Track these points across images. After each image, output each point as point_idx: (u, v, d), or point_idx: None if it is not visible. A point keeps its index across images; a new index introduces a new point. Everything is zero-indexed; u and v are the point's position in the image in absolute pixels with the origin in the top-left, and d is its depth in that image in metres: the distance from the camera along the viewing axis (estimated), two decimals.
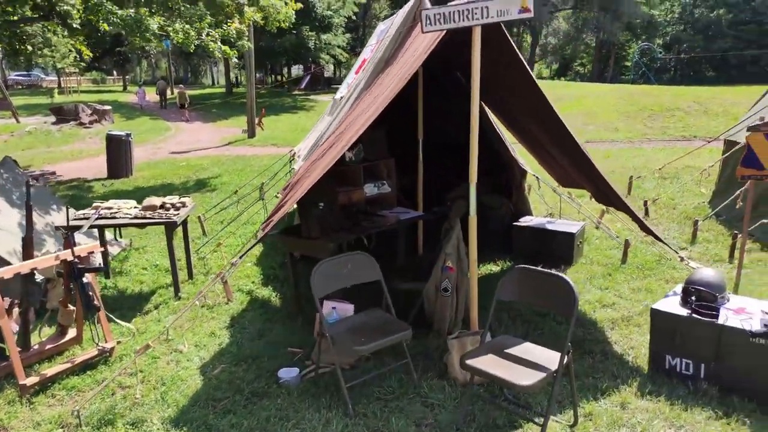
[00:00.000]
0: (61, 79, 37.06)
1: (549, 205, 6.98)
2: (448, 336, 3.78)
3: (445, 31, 3.43)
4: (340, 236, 4.20)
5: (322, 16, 27.92)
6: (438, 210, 6.53)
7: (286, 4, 10.84)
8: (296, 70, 47.71)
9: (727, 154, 7.08)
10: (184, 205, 5.19)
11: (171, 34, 7.42)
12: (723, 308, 3.49)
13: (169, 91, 31.09)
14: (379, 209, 4.80)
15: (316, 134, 6.97)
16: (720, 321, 3.35)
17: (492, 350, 3.13)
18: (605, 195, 5.16)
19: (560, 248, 5.62)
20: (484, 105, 5.79)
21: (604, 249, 6.07)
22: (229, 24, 8.56)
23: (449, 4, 3.31)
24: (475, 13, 3.25)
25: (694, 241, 6.25)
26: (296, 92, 35.32)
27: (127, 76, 45.59)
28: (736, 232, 5.83)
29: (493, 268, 5.66)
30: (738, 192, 6.46)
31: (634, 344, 4.00)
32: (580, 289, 4.99)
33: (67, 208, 4.81)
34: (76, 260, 3.68)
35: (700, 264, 4.68)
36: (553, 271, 3.07)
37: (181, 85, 29.75)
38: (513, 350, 3.11)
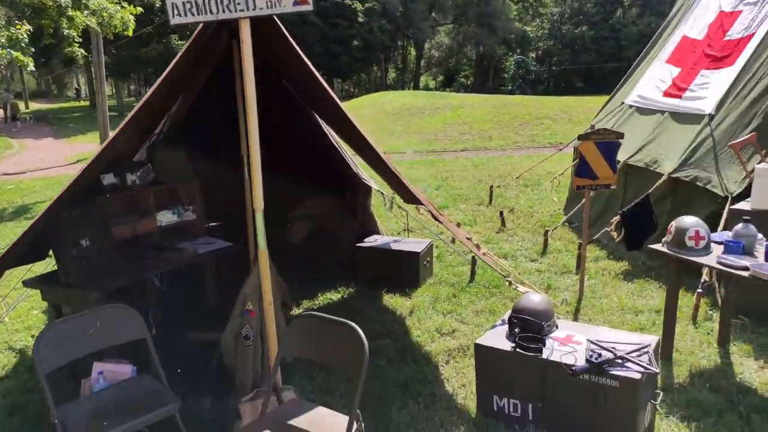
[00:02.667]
0: None
1: (402, 222, 6.54)
2: (241, 398, 3.09)
3: (212, 27, 2.77)
4: (114, 281, 3.36)
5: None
6: (281, 233, 5.86)
7: (122, 7, 9.68)
8: None
9: (576, 161, 7.08)
10: None
11: None
12: (550, 338, 3.12)
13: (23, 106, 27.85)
14: (180, 240, 4.01)
15: None
16: (544, 355, 2.96)
17: (273, 421, 2.48)
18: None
19: (405, 269, 5.14)
20: (316, 114, 5.21)
21: (455, 266, 5.70)
22: (18, 26, 7.31)
23: None
24: (239, 4, 2.61)
25: (546, 252, 6.08)
26: None
27: None
28: (580, 241, 5.70)
29: (333, 296, 5.06)
30: (584, 200, 6.42)
31: (467, 381, 3.53)
32: (421, 316, 4.53)
33: None
34: None
35: (529, 287, 4.32)
36: (342, 320, 2.48)
37: (11, 96, 27.11)
38: (298, 420, 2.48)
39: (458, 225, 6.59)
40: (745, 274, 3.06)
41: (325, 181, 5.66)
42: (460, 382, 3.53)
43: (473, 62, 51.36)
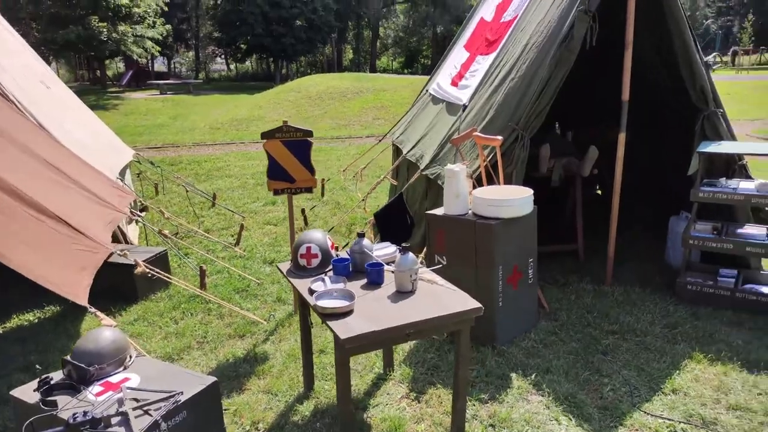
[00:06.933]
0: None
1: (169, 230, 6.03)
2: None
3: None
4: None
5: (116, 6, 25.15)
6: None
7: None
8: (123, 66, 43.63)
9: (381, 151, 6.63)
10: None
11: None
12: (95, 385, 2.63)
13: None
14: None
15: None
16: (63, 410, 2.47)
17: None
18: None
19: (121, 283, 4.63)
20: None
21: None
22: None
23: None
24: None
25: None
26: (113, 89, 31.98)
27: None
28: None
29: (31, 317, 4.49)
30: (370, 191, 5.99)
31: None
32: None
33: None
34: None
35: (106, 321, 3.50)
36: None
37: None
38: None
39: (241, 228, 6.08)
40: (312, 303, 2.59)
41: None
42: None
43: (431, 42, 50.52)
